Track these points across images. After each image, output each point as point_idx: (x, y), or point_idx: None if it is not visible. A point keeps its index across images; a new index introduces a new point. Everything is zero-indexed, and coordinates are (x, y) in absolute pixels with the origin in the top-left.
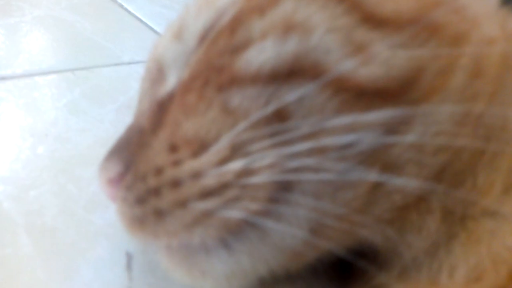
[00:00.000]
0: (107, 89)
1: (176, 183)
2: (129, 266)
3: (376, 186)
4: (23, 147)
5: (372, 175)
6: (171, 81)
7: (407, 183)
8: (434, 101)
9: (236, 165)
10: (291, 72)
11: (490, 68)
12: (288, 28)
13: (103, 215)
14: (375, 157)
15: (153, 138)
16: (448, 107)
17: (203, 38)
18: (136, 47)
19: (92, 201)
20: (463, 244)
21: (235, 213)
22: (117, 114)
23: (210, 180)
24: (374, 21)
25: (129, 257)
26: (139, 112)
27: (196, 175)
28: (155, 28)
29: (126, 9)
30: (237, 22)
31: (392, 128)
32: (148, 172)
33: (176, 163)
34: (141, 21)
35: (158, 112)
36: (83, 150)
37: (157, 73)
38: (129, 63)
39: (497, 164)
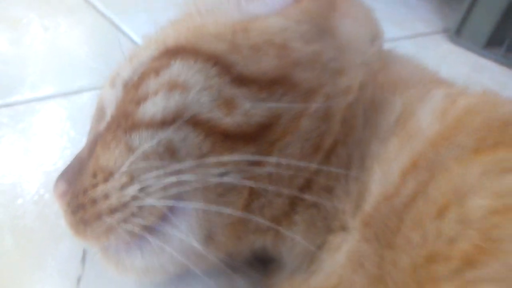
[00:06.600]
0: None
1: (94, 201)
2: (83, 259)
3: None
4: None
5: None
6: (106, 120)
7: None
8: (287, 140)
9: (132, 189)
10: (175, 120)
11: (337, 113)
12: (173, 87)
13: None
14: (248, 173)
15: (86, 165)
16: (299, 143)
17: (125, 87)
18: None
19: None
20: (328, 251)
21: (131, 227)
22: None
23: (114, 200)
24: (241, 81)
25: (84, 253)
26: (86, 144)
27: (106, 196)
28: None
29: (123, 31)
30: (141, 79)
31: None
32: (80, 191)
33: (95, 186)
34: (137, 43)
35: (94, 145)
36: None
37: (100, 113)
38: None
39: (351, 188)
